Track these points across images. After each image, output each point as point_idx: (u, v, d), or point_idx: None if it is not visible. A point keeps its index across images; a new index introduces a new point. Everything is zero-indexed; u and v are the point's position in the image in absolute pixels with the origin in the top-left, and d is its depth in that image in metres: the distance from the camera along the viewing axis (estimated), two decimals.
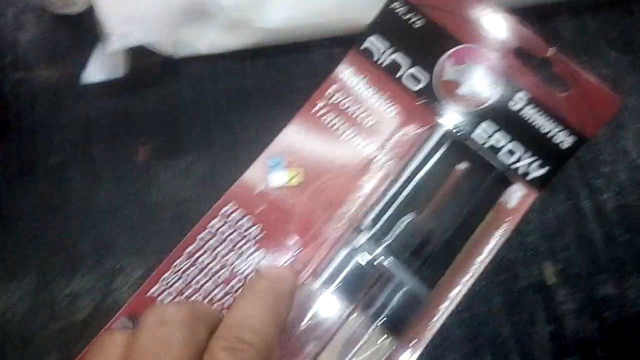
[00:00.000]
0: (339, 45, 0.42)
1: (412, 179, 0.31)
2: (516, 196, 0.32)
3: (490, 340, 0.38)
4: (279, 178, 0.32)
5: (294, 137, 0.33)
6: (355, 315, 0.30)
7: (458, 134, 0.31)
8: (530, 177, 0.32)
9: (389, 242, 0.30)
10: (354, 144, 0.32)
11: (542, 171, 0.32)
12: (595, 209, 0.40)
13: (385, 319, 0.30)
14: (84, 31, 0.40)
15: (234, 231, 0.32)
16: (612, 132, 0.41)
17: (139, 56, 0.39)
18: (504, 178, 0.31)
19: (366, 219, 0.31)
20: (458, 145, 0.31)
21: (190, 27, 0.40)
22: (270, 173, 0.32)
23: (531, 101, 0.31)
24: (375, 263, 0.30)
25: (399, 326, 0.30)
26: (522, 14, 0.42)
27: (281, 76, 0.42)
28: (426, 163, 0.31)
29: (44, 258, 0.38)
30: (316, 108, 0.33)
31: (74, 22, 0.41)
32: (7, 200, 0.39)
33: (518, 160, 0.31)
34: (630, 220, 0.40)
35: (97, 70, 0.38)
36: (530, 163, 0.32)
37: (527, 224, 0.39)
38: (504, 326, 0.39)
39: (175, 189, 0.39)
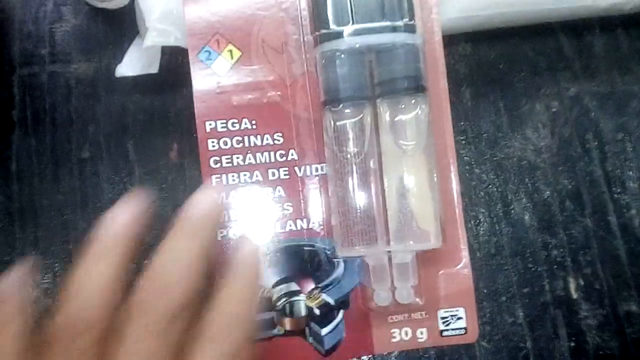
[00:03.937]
0: None
1: None
2: None
3: (512, 354, 0.38)
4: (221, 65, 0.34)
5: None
6: None
7: None
8: None
9: None
10: None
11: None
12: (621, 225, 0.40)
13: None
14: (123, 26, 0.40)
15: None
16: None
17: (176, 54, 0.39)
18: None
19: None
20: None
21: None
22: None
23: None
24: None
25: None
26: (553, 27, 0.42)
27: None
28: None
29: (70, 251, 0.38)
30: None
31: (112, 16, 0.41)
32: (39, 191, 0.39)
33: None
34: None
35: (133, 63, 0.38)
36: None
37: (554, 237, 0.40)
38: (526, 340, 0.39)
39: None
